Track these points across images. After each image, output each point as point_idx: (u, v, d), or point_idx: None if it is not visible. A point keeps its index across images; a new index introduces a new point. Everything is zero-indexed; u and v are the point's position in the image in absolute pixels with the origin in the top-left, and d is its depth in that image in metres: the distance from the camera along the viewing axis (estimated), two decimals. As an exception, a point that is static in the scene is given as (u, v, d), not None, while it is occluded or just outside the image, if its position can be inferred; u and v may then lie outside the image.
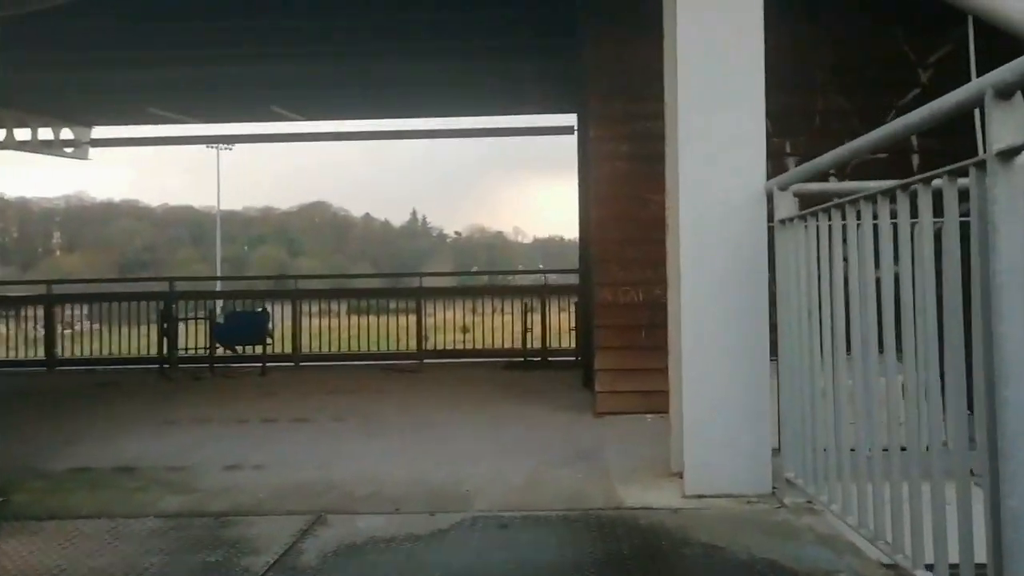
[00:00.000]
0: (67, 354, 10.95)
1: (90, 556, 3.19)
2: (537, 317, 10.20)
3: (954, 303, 2.18)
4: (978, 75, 4.35)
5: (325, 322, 11.09)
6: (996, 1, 4.03)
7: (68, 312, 11.42)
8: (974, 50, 4.27)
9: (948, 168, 2.17)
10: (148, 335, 10.69)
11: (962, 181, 2.13)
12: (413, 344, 10.50)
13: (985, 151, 1.96)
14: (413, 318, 10.59)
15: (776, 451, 3.71)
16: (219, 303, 11.77)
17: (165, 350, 9.88)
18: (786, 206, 3.54)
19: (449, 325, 11.19)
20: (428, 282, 11.75)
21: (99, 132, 12.07)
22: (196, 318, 10.51)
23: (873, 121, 5.76)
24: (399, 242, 57.61)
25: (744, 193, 3.80)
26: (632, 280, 5.95)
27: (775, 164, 4.60)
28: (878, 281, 2.67)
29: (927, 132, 2.53)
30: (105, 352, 10.91)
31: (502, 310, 10.80)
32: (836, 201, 2.97)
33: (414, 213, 61.42)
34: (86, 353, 10.94)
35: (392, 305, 11.59)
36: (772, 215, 3.70)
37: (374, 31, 7.27)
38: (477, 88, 9.85)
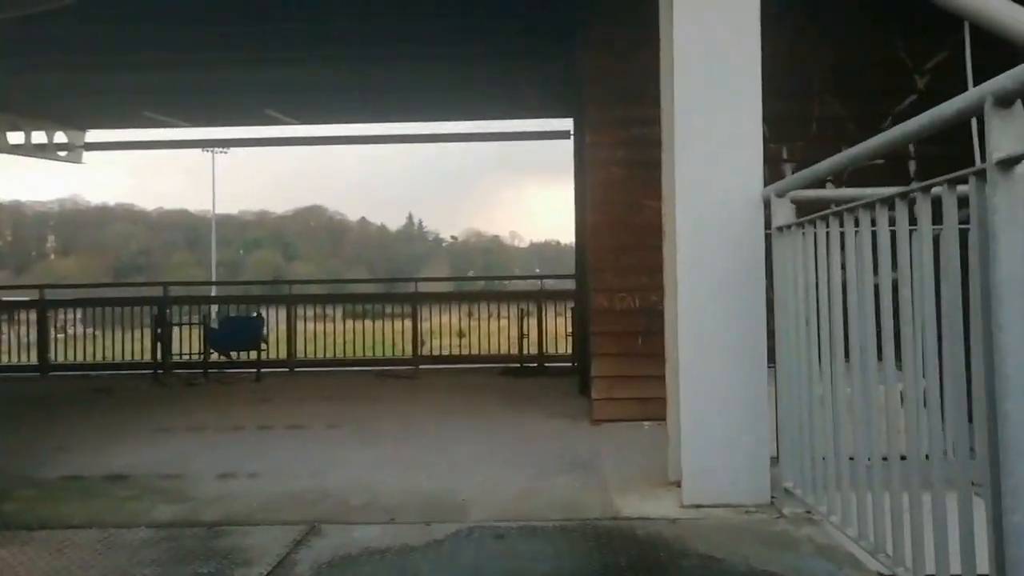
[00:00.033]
0: (60, 359, 10.89)
1: (81, 567, 3.15)
2: (533, 322, 10.17)
3: (954, 312, 2.16)
4: (975, 81, 4.36)
5: (320, 328, 11.05)
6: (993, 7, 4.03)
7: (61, 316, 11.36)
8: (971, 56, 4.27)
9: (947, 177, 2.16)
10: (142, 340, 10.64)
11: (961, 188, 2.12)
12: (409, 350, 10.47)
13: (983, 159, 1.94)
14: (409, 323, 10.56)
15: (775, 460, 3.69)
16: (214, 308, 11.72)
17: (159, 355, 9.83)
18: (783, 213, 3.53)
19: (445, 330, 11.17)
20: (424, 287, 11.71)
21: (93, 136, 12.03)
22: (190, 323, 10.46)
23: (870, 127, 5.75)
24: (395, 246, 57.54)
25: (742, 198, 3.78)
26: (628, 286, 5.93)
27: (772, 170, 4.60)
28: (876, 288, 2.66)
29: (925, 138, 2.52)
30: (99, 357, 10.86)
31: (498, 315, 10.78)
32: (834, 209, 2.95)
33: (410, 217, 61.43)
34: (80, 358, 10.89)
35: (388, 310, 11.56)
36: (769, 221, 3.69)
37: (371, 36, 7.26)
38: (474, 93, 9.84)
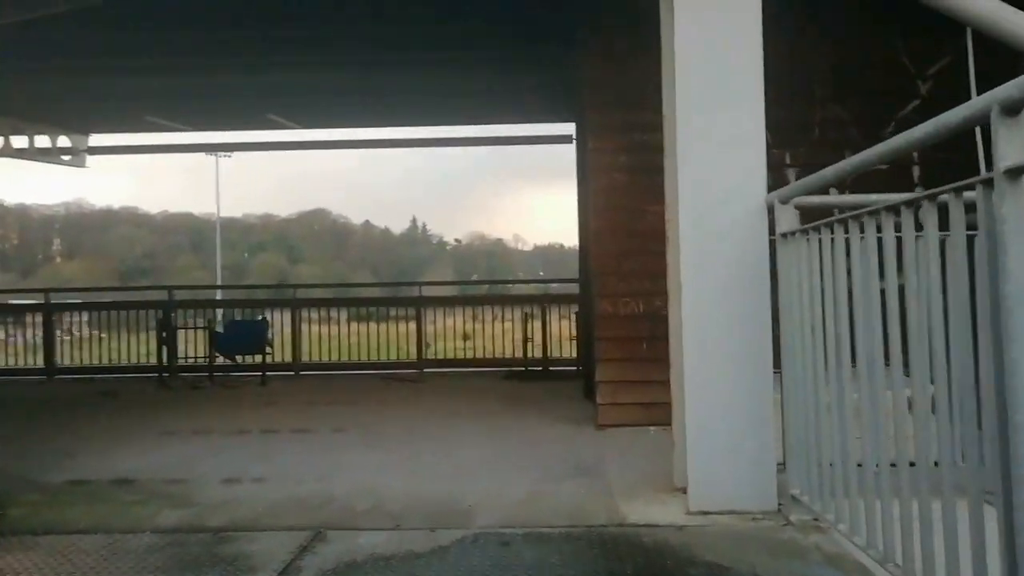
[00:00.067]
0: (67, 362, 10.92)
1: (85, 574, 3.15)
2: (537, 325, 10.17)
3: (962, 320, 2.15)
4: (978, 87, 4.36)
5: (325, 330, 11.06)
6: (995, 13, 4.02)
7: (67, 319, 11.41)
8: (974, 62, 4.26)
9: (954, 185, 2.15)
10: (147, 343, 10.66)
11: (968, 194, 2.11)
12: (413, 353, 10.48)
13: (988, 167, 1.94)
14: (413, 326, 10.56)
15: (781, 466, 3.68)
16: (219, 312, 11.74)
17: (164, 359, 9.85)
18: (787, 220, 3.52)
19: (449, 334, 11.17)
20: (428, 291, 11.72)
21: (96, 140, 12.06)
22: (195, 327, 10.49)
23: (873, 131, 5.79)
24: (399, 249, 57.55)
25: (745, 203, 3.78)
26: (632, 292, 5.92)
27: (775, 175, 4.58)
28: (883, 293, 2.65)
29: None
30: (105, 361, 10.89)
31: (502, 319, 10.78)
32: (838, 216, 2.95)
33: (414, 220, 61.42)
34: (86, 361, 10.92)
35: (392, 312, 11.58)
36: (773, 227, 3.68)
37: (372, 41, 7.27)
38: (476, 97, 9.84)
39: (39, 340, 10.92)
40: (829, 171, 3.05)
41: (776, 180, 4.27)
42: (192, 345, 10.33)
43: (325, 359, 10.74)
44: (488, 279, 45.29)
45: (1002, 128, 1.88)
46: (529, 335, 10.09)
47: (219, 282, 40.14)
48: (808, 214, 3.60)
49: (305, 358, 10.64)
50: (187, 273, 46.59)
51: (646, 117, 5.14)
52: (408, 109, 10.46)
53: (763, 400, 3.74)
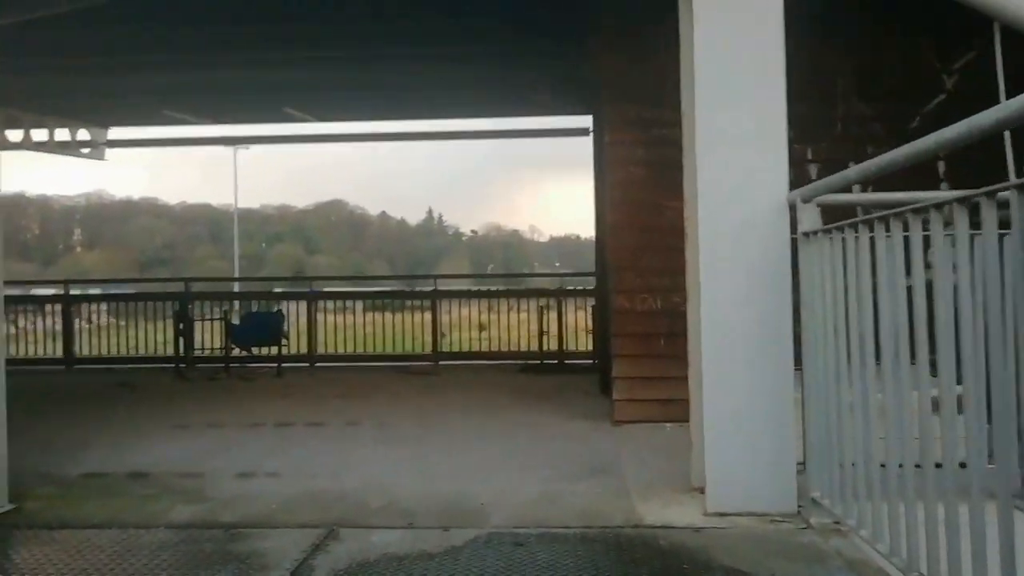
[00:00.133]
0: (85, 352, 11.02)
1: (100, 571, 3.15)
2: (553, 315, 10.12)
3: (996, 322, 2.08)
4: (1005, 82, 4.25)
5: (340, 323, 11.07)
6: (1022, 8, 3.91)
7: (86, 310, 11.51)
8: (1002, 56, 4.15)
9: (986, 189, 2.08)
10: (165, 332, 10.73)
11: (1001, 194, 2.04)
12: (428, 344, 10.47)
13: (1017, 165, 1.86)
14: (428, 317, 10.55)
15: (801, 467, 3.61)
16: (236, 304, 11.79)
17: (181, 350, 9.91)
18: (810, 219, 3.45)
19: (465, 324, 11.15)
20: (444, 284, 11.70)
21: (115, 133, 12.11)
22: (212, 319, 10.53)
23: (896, 127, 5.67)
24: (415, 240, 57.63)
25: (766, 201, 3.71)
26: (649, 287, 5.85)
27: (796, 171, 4.49)
28: (908, 290, 2.59)
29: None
30: (123, 351, 10.99)
31: (518, 310, 10.74)
32: (863, 217, 2.88)
33: (430, 211, 61.44)
34: (104, 352, 11.01)
35: (408, 303, 11.58)
36: (795, 225, 3.61)
37: (387, 36, 7.23)
38: (492, 91, 9.78)
39: (59, 329, 11.03)
40: (853, 171, 2.98)
41: (797, 176, 4.20)
42: (209, 336, 10.38)
43: (340, 351, 10.75)
44: (504, 269, 45.32)
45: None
46: (545, 328, 10.05)
47: (237, 272, 40.41)
48: (829, 210, 3.53)
49: (321, 350, 10.66)
50: (205, 263, 46.93)
51: (664, 111, 5.07)
52: (424, 103, 10.42)
53: (783, 399, 3.67)
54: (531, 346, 10.26)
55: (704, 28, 3.80)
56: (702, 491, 3.76)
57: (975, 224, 2.19)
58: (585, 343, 10.03)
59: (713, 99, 3.80)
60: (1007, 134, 3.46)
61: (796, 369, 3.68)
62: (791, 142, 3.80)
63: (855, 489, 3.03)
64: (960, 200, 2.22)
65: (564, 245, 52.81)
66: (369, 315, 11.26)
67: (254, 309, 11.46)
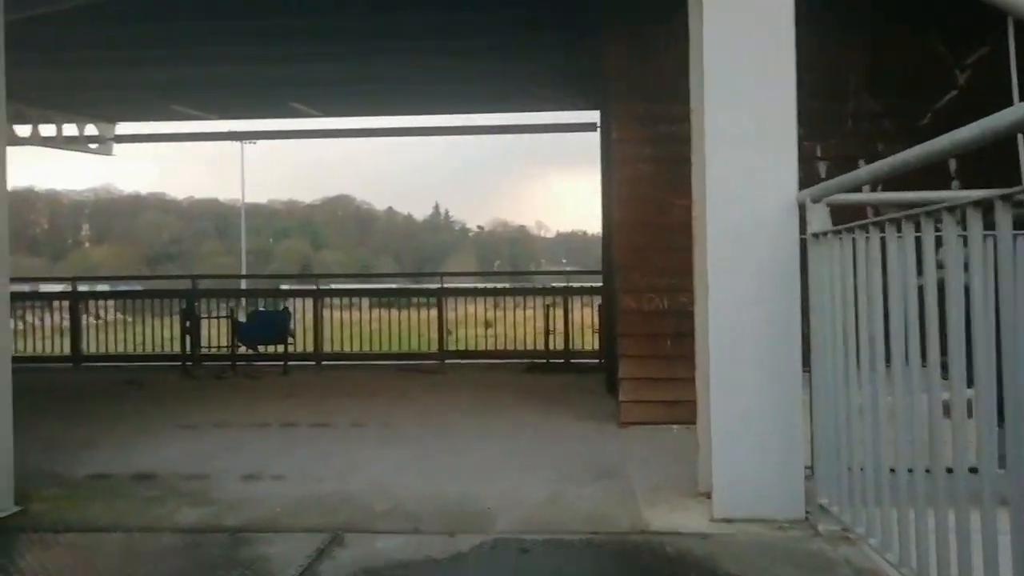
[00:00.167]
0: (93, 350, 11.05)
1: (104, 576, 3.14)
2: (559, 312, 10.08)
3: (1008, 324, 2.04)
4: (1019, 78, 4.18)
5: (347, 316, 11.07)
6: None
7: (93, 307, 11.55)
8: (1015, 52, 4.09)
9: (1001, 192, 2.03)
10: (172, 328, 10.75)
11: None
12: (434, 343, 10.45)
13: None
14: (434, 313, 10.52)
15: (809, 471, 3.57)
16: (242, 301, 11.81)
17: (188, 348, 9.92)
18: (819, 219, 3.40)
19: (471, 321, 11.12)
20: (449, 281, 11.67)
21: (123, 128, 12.13)
22: (218, 317, 10.54)
23: (907, 123, 5.59)
24: (422, 235, 57.60)
25: (776, 201, 3.66)
26: (656, 287, 5.80)
27: (805, 168, 4.44)
28: (920, 290, 2.54)
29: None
30: (130, 349, 11.01)
31: (524, 308, 10.71)
32: (874, 219, 2.83)
33: (437, 207, 61.38)
34: (112, 349, 11.04)
35: (414, 301, 11.56)
36: (803, 225, 3.57)
37: (393, 30, 7.20)
38: (498, 85, 9.73)
39: (66, 326, 11.06)
40: (864, 171, 2.93)
41: (807, 173, 4.13)
42: (216, 334, 10.39)
43: (347, 349, 10.75)
44: (510, 265, 45.28)
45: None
46: (551, 327, 10.01)
47: (244, 267, 40.49)
48: (837, 209, 3.48)
49: (327, 347, 10.65)
50: (213, 259, 47.02)
51: (673, 107, 5.01)
52: (430, 97, 10.38)
53: (791, 403, 3.63)
54: (537, 344, 10.22)
55: (712, 24, 3.75)
56: (709, 496, 3.72)
57: (988, 223, 2.15)
58: (591, 342, 9.99)
59: (722, 95, 3.75)
60: (1021, 136, 3.41)
61: (804, 371, 3.64)
62: (800, 139, 3.74)
63: (864, 495, 2.99)
64: (975, 204, 2.17)
65: (571, 241, 52.65)
66: (375, 312, 11.25)
67: (261, 307, 11.46)
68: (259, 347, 9.96)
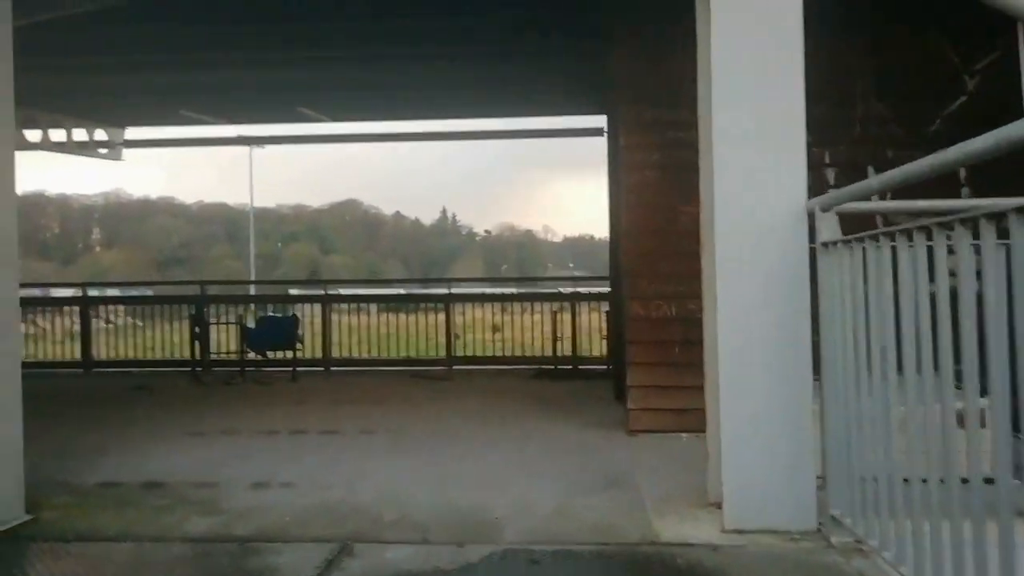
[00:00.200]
0: (103, 355, 11.10)
1: (114, 587, 3.15)
2: (567, 317, 10.06)
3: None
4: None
5: (355, 325, 11.08)
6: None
7: (103, 311, 11.62)
8: (1024, 58, 4.05)
9: (1016, 204, 2.01)
10: (181, 333, 10.79)
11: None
12: (442, 348, 10.45)
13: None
14: (442, 318, 10.52)
15: (821, 481, 3.54)
16: (251, 306, 11.84)
17: (197, 354, 9.95)
18: (829, 228, 3.38)
19: (478, 328, 11.11)
20: (456, 287, 11.68)
21: (132, 133, 12.19)
22: (227, 323, 10.57)
23: (917, 129, 5.56)
24: (429, 240, 57.66)
25: (784, 208, 3.64)
26: (664, 294, 5.78)
27: (814, 175, 4.43)
28: (932, 297, 2.52)
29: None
30: (140, 354, 11.06)
31: (531, 312, 10.71)
32: (885, 229, 2.81)
33: (444, 211, 61.44)
34: (122, 354, 11.09)
35: (422, 306, 11.57)
36: (812, 234, 3.55)
37: (399, 35, 7.21)
38: (505, 91, 9.74)
39: (76, 330, 11.12)
40: (874, 181, 2.92)
41: (815, 180, 4.12)
42: (224, 340, 10.42)
43: (355, 355, 10.76)
44: (517, 271, 45.27)
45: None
46: (559, 334, 9.99)
47: (252, 271, 40.58)
48: (846, 217, 3.46)
49: (335, 353, 10.67)
50: (222, 263, 47.19)
51: (681, 113, 5.00)
52: (436, 102, 10.40)
53: (802, 412, 3.60)
54: (545, 350, 10.21)
55: (720, 29, 3.73)
56: (719, 506, 3.69)
57: (1001, 231, 2.14)
58: (599, 347, 9.97)
59: (729, 102, 3.73)
60: None
61: (814, 379, 3.62)
62: (808, 145, 3.72)
63: (877, 506, 2.96)
64: (988, 216, 2.15)
65: (578, 245, 52.60)
66: (383, 316, 11.26)
67: (269, 313, 11.49)
68: (268, 353, 9.98)
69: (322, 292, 11.74)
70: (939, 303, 2.46)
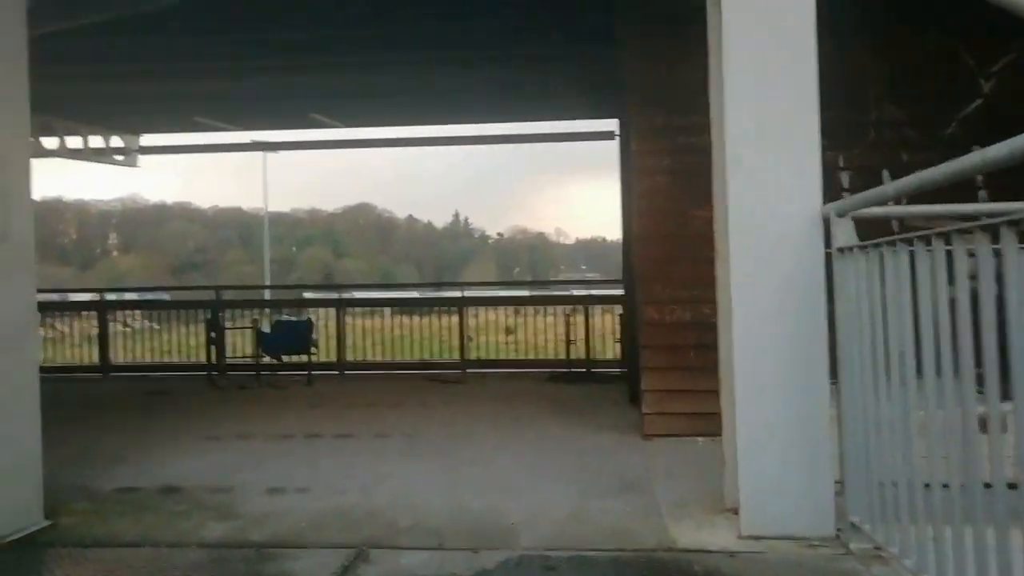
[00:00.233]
0: (121, 359, 11.20)
1: (132, 593, 3.17)
2: (580, 320, 10.05)
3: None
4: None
5: (369, 328, 11.12)
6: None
7: (120, 315, 11.75)
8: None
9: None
10: (197, 337, 10.87)
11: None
12: (456, 350, 10.46)
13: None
14: (456, 320, 10.53)
15: (839, 486, 3.51)
16: (266, 310, 11.91)
17: (213, 358, 10.01)
18: (845, 234, 3.36)
19: (492, 331, 11.12)
20: (470, 290, 11.69)
21: (147, 139, 12.31)
22: (242, 327, 10.63)
23: (931, 133, 5.51)
24: (442, 243, 57.76)
25: (799, 214, 3.62)
26: (678, 298, 5.76)
27: (828, 178, 4.40)
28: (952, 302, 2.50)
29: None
30: (157, 358, 11.16)
31: (544, 315, 10.69)
32: (903, 235, 2.79)
33: (456, 215, 61.52)
34: (139, 357, 11.19)
35: (435, 309, 11.60)
36: (827, 239, 3.53)
37: (411, 41, 7.24)
38: (517, 95, 9.76)
39: (94, 333, 11.24)
40: (890, 187, 2.89)
41: (829, 183, 4.09)
42: (240, 344, 10.48)
43: (369, 358, 10.79)
44: (530, 273, 45.26)
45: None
46: (572, 338, 9.97)
47: (267, 276, 40.77)
48: (862, 221, 3.44)
49: (350, 356, 10.70)
50: (237, 267, 47.45)
51: (692, 119, 4.98)
52: (448, 107, 10.43)
53: (819, 417, 3.58)
54: (558, 353, 10.19)
55: (732, 32, 3.72)
56: (735, 511, 3.67)
57: (1022, 234, 2.12)
58: (613, 350, 9.94)
59: (742, 106, 3.71)
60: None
61: (831, 383, 3.59)
62: (822, 149, 3.70)
63: (896, 512, 2.93)
64: (1010, 223, 2.13)
65: (590, 248, 52.50)
66: (397, 319, 11.29)
67: (284, 317, 11.55)
68: (283, 357, 10.03)
69: (336, 296, 11.77)
70: (958, 307, 2.44)
